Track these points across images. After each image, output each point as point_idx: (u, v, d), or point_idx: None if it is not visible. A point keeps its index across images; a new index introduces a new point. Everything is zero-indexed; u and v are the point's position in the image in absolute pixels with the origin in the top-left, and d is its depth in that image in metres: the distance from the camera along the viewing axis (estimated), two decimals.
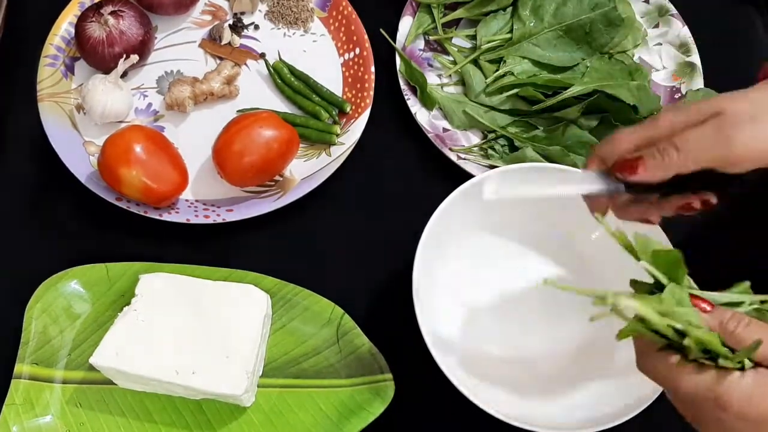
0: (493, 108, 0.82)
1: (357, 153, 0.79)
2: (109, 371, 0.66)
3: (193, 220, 0.74)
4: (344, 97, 0.82)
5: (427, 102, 0.81)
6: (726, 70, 0.87)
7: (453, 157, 0.79)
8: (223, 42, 0.83)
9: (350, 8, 0.85)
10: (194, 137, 0.79)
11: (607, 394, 0.67)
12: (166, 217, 0.74)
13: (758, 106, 0.48)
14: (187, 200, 0.77)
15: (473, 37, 0.85)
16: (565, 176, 0.62)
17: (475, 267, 0.75)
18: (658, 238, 0.57)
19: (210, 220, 0.74)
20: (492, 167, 0.78)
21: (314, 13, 0.86)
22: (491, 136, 0.81)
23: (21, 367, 0.68)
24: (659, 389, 0.61)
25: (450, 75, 0.84)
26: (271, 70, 0.83)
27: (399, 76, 0.82)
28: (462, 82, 0.84)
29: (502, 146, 0.80)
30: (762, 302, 0.47)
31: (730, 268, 0.58)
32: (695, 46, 0.87)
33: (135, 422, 0.68)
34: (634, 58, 0.85)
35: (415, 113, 0.81)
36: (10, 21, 0.82)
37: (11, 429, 0.65)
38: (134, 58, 0.77)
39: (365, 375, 0.69)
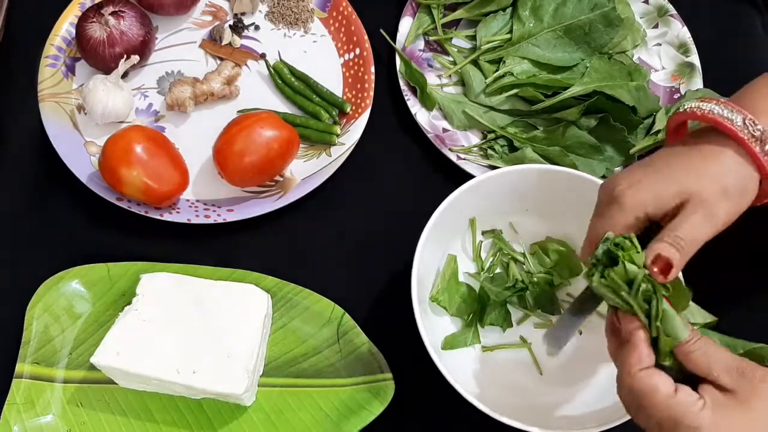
0: (492, 108, 0.82)
1: (357, 153, 0.79)
2: (110, 370, 0.66)
3: (194, 220, 0.74)
4: (344, 97, 0.82)
5: (427, 102, 0.81)
6: (725, 70, 0.87)
7: (453, 157, 0.79)
8: (224, 42, 0.84)
9: (350, 8, 0.85)
10: (195, 137, 0.79)
11: (608, 393, 0.67)
12: (167, 217, 0.74)
13: (723, 179, 0.55)
14: (187, 200, 0.77)
15: (473, 38, 0.85)
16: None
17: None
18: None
19: (211, 220, 0.74)
20: (492, 167, 0.78)
21: (314, 14, 0.86)
22: (491, 136, 0.81)
23: (22, 367, 0.68)
24: None
25: (450, 75, 0.84)
26: (272, 70, 0.83)
27: (399, 76, 0.82)
28: (462, 82, 0.84)
29: (502, 146, 0.80)
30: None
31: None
32: (695, 46, 0.87)
33: (136, 421, 0.68)
34: (634, 59, 0.85)
35: (415, 113, 0.81)
36: (11, 21, 0.82)
37: (12, 428, 0.66)
38: (135, 58, 0.77)
39: (365, 374, 0.69)
